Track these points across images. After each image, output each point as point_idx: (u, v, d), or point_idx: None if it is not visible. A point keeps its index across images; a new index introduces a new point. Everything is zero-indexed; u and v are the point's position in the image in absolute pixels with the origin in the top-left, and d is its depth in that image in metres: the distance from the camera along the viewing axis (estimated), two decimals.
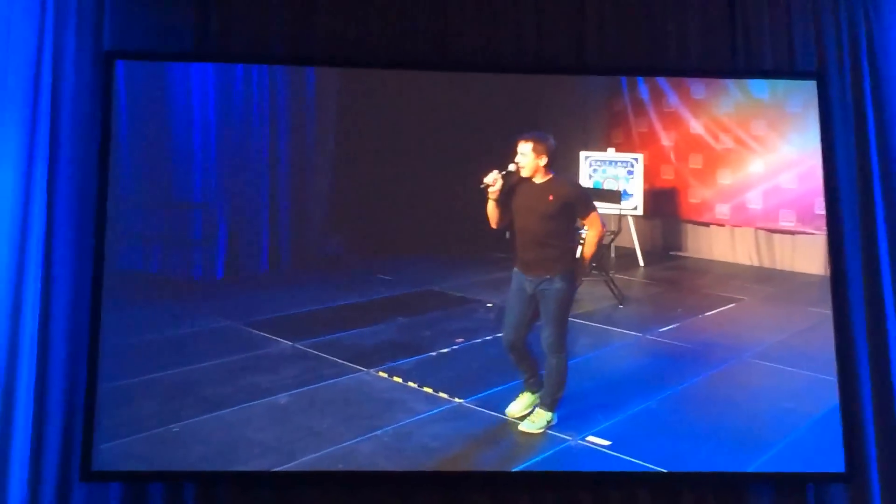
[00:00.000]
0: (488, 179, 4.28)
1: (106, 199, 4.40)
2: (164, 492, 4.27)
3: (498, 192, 4.28)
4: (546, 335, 4.33)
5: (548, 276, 4.30)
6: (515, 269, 4.38)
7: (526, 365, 4.40)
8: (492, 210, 4.33)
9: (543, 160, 4.31)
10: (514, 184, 4.33)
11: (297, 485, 4.28)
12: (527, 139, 4.31)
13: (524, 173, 4.31)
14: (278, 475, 4.18)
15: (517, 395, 4.42)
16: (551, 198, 4.29)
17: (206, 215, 4.60)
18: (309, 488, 4.29)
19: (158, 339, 4.39)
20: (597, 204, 4.93)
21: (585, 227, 4.36)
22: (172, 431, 4.22)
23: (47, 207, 4.43)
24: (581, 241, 4.36)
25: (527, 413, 4.38)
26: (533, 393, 4.41)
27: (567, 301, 4.33)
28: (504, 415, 4.38)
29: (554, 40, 4.82)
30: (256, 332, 4.52)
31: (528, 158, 4.30)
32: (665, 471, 4.29)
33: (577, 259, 4.33)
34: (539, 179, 4.33)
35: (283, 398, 4.34)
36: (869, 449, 4.53)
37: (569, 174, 4.64)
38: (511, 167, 4.31)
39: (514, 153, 4.33)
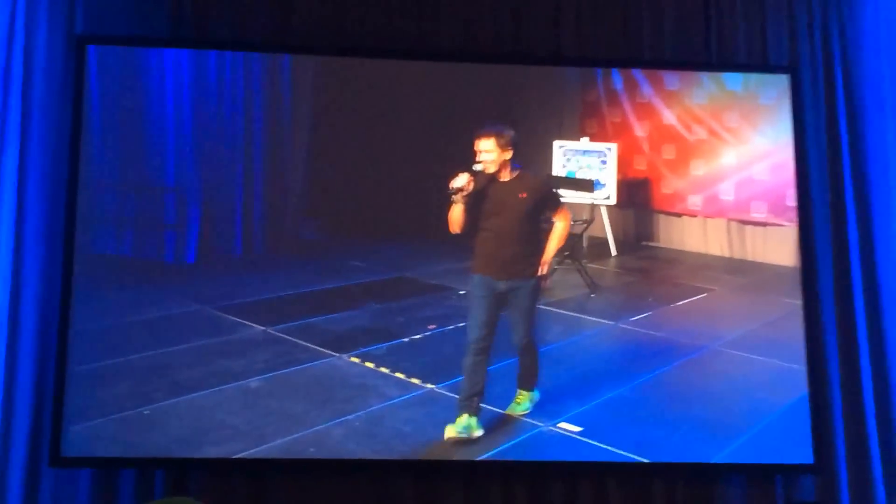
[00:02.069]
0: (459, 183, 4.07)
1: (77, 183, 4.37)
2: (134, 477, 4.24)
3: (467, 196, 4.11)
4: (521, 334, 4.28)
5: (525, 276, 4.22)
6: (479, 275, 4.22)
7: (482, 375, 4.23)
8: (458, 215, 4.13)
9: (508, 154, 4.14)
10: (481, 184, 4.15)
11: (269, 471, 4.27)
12: (488, 134, 4.13)
13: (491, 170, 4.14)
14: (250, 461, 4.17)
15: (456, 417, 4.25)
16: (524, 195, 4.16)
17: (179, 199, 4.57)
18: (281, 474, 4.28)
19: (130, 323, 4.36)
20: (570, 193, 5.00)
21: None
22: (143, 414, 4.20)
23: (17, 192, 4.40)
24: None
25: (463, 437, 4.22)
26: (472, 415, 4.25)
27: (538, 298, 4.30)
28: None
29: (530, 31, 4.84)
30: (228, 316, 4.49)
31: (493, 155, 4.12)
32: (636, 461, 4.31)
33: (544, 255, 4.25)
34: (507, 177, 4.18)
35: (254, 382, 4.32)
36: (837, 441, 4.58)
37: (533, 166, 4.60)
38: (477, 167, 4.13)
39: (475, 153, 4.15)
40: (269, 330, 4.50)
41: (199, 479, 4.26)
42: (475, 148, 4.18)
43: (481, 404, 4.28)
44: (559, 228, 4.28)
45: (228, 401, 4.25)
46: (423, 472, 4.35)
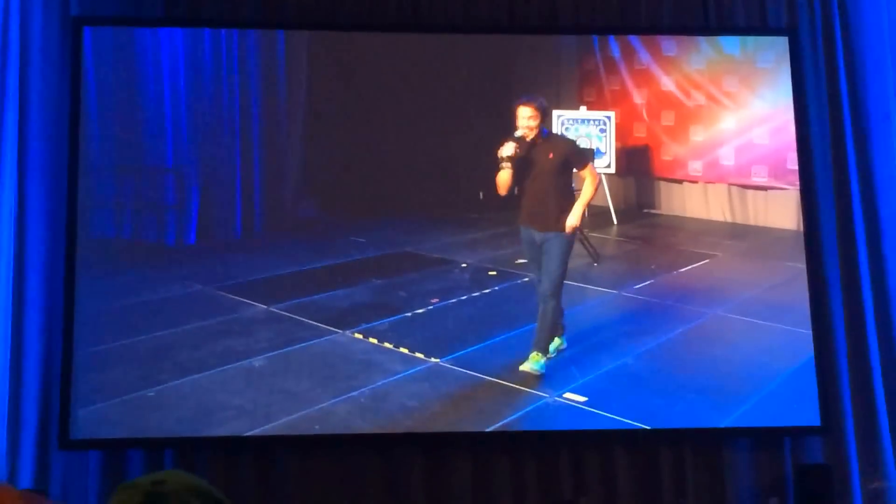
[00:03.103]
0: (507, 151, 4.26)
1: (77, 166, 4.24)
2: (143, 458, 4.14)
3: (513, 161, 4.28)
4: (546, 282, 4.33)
5: (554, 229, 4.32)
6: (522, 227, 4.40)
7: (559, 314, 4.37)
8: (506, 179, 4.31)
9: (541, 121, 4.34)
10: (522, 149, 4.31)
11: (277, 448, 4.17)
12: (527, 104, 4.31)
13: (530, 136, 4.30)
14: (257, 439, 4.07)
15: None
16: (551, 155, 4.32)
17: (178, 180, 4.43)
18: (289, 451, 4.18)
19: (132, 305, 4.25)
20: None
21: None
22: (148, 396, 4.10)
23: (18, 177, 4.26)
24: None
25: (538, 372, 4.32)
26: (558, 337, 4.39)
27: (568, 251, 4.38)
28: (479, 374, 4.27)
29: (527, 1, 4.63)
30: (230, 296, 4.36)
31: (535, 121, 4.29)
32: (643, 428, 4.20)
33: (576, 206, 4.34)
34: (539, 140, 4.31)
35: (258, 361, 4.21)
36: (844, 402, 4.43)
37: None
38: (519, 133, 4.28)
39: (515, 118, 4.30)
40: (272, 308, 4.38)
41: (207, 459, 4.15)
42: (517, 115, 4.32)
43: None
44: (587, 184, 4.39)
45: (232, 380, 4.15)
46: (430, 445, 4.23)
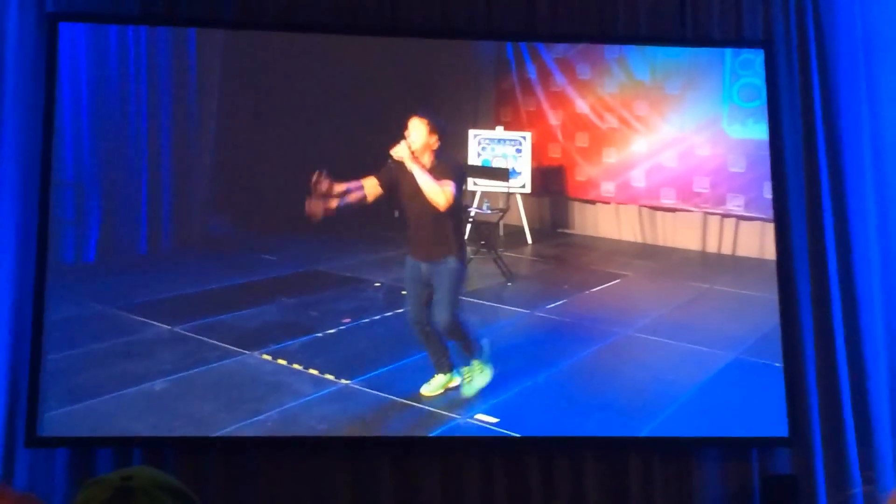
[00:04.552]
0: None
1: (50, 169, 3.80)
2: (111, 457, 3.72)
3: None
4: (442, 316, 3.84)
5: (441, 258, 3.85)
6: (409, 257, 3.93)
7: (435, 346, 3.96)
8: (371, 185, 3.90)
9: (433, 141, 3.83)
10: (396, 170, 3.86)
11: (246, 449, 3.79)
12: (416, 116, 3.82)
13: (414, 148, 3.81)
14: (229, 439, 3.71)
15: (431, 377, 3.98)
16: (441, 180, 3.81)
17: (78, 194, 3.94)
18: (258, 451, 3.80)
19: None
20: (486, 182, 4.56)
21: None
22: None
23: None
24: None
25: (440, 392, 3.97)
26: (445, 374, 3.98)
27: (460, 280, 3.90)
28: (390, 395, 3.94)
29: (503, 7, 4.28)
30: (132, 316, 3.92)
31: (418, 137, 3.80)
32: (611, 436, 4.00)
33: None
34: (427, 164, 3.83)
35: (159, 384, 3.78)
36: (812, 414, 4.21)
37: (447, 155, 3.95)
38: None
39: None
40: (176, 329, 3.94)
41: (176, 459, 3.75)
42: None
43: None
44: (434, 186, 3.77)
45: (130, 405, 3.72)
46: (400, 451, 3.90)
